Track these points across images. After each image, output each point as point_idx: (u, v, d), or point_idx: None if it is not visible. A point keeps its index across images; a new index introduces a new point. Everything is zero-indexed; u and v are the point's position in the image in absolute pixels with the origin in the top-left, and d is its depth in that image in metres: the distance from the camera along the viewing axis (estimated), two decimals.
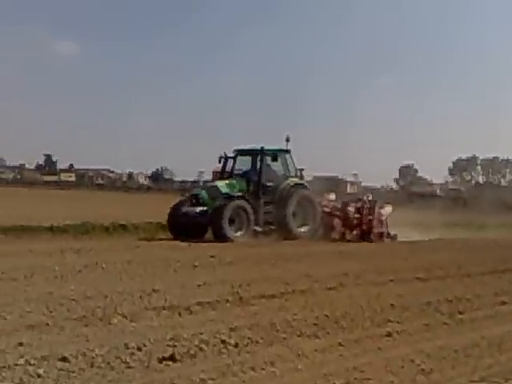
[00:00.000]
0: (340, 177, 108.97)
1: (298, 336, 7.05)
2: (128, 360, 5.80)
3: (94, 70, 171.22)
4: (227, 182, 20.22)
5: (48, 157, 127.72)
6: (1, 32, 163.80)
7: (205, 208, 18.91)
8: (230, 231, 18.29)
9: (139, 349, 6.15)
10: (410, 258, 15.57)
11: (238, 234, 18.56)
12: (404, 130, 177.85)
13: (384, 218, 21.60)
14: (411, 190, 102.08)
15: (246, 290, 9.71)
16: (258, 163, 20.35)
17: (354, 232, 21.51)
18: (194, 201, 19.53)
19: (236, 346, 6.46)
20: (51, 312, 7.62)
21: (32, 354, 5.76)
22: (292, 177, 20.92)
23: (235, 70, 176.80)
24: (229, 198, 18.93)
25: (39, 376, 5.21)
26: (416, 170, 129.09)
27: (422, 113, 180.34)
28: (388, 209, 21.97)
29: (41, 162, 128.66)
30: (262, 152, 20.31)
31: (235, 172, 21.16)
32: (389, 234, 21.60)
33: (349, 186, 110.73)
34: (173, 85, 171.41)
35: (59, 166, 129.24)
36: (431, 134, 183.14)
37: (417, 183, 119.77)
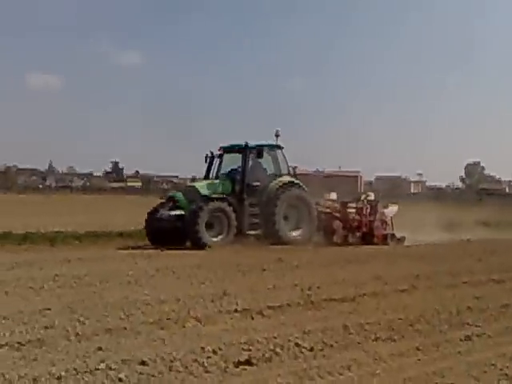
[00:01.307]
0: (403, 177, 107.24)
1: (373, 340, 6.94)
2: (205, 364, 5.83)
3: (156, 78, 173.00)
4: (208, 182, 18.70)
5: (115, 164, 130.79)
6: (69, 46, 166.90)
7: (182, 212, 17.29)
8: (206, 236, 16.63)
9: (215, 352, 6.18)
10: (484, 259, 14.94)
11: (218, 239, 16.91)
12: (470, 127, 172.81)
13: (388, 219, 20.01)
14: (478, 187, 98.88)
15: (316, 293, 9.63)
16: (247, 161, 18.40)
17: (357, 234, 19.66)
18: (170, 204, 17.85)
19: (311, 350, 6.40)
20: (128, 316, 7.75)
21: (112, 358, 5.87)
22: (283, 175, 18.93)
23: None
24: (206, 199, 17.15)
25: (120, 380, 5.29)
26: (483, 168, 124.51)
27: (489, 110, 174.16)
28: (392, 209, 20.41)
29: (108, 170, 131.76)
30: (245, 148, 18.35)
31: (222, 172, 19.38)
32: (394, 235, 19.83)
33: (412, 186, 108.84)
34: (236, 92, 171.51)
35: (126, 172, 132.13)
36: (499, 131, 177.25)
37: (484, 181, 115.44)
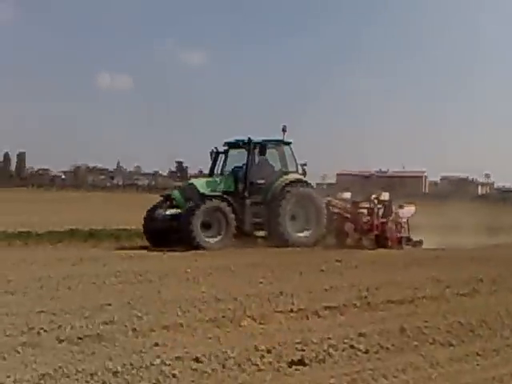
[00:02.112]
0: (471, 178, 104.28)
1: (431, 344, 6.76)
2: (258, 363, 5.80)
3: (221, 78, 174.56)
4: (208, 179, 17.72)
5: (179, 164, 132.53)
6: (135, 46, 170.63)
7: (179, 210, 16.29)
8: (201, 237, 15.51)
9: (269, 351, 6.15)
10: None
11: (215, 240, 15.84)
12: None
13: (403, 221, 18.41)
14: None
15: (374, 294, 9.49)
16: (250, 158, 17.17)
17: (371, 237, 18.06)
18: (167, 202, 16.92)
19: (366, 352, 6.29)
20: (184, 313, 7.82)
21: (167, 354, 5.92)
22: (291, 173, 17.66)
23: None
24: (203, 198, 16.09)
25: (174, 376, 5.32)
26: None
27: None
28: (409, 209, 18.67)
29: (173, 169, 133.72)
30: (249, 144, 17.19)
31: (226, 169, 18.22)
32: (409, 239, 18.24)
33: (480, 188, 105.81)
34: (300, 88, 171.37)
35: (190, 172, 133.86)
36: None
37: None
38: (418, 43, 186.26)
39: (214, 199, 16.05)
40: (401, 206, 18.50)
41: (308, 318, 7.80)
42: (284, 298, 8.94)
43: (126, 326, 7.05)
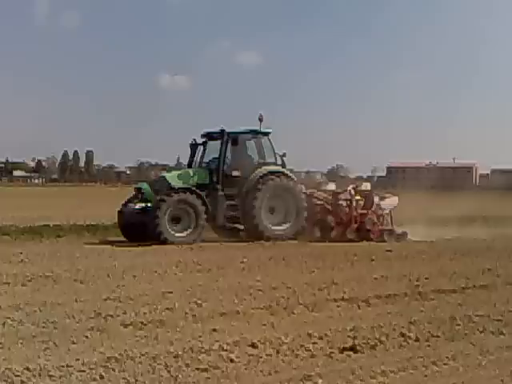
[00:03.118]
0: None
1: (481, 332, 6.61)
2: (311, 349, 5.80)
3: (277, 79, 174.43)
4: (180, 172, 16.55)
5: None
6: (196, 47, 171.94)
7: (148, 204, 15.08)
8: (168, 231, 14.43)
9: (321, 338, 6.13)
10: None
11: (183, 234, 14.69)
12: None
13: (385, 213, 16.87)
14: None
15: (425, 283, 9.34)
16: (223, 149, 15.85)
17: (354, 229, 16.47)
18: (139, 196, 15.66)
19: (416, 340, 6.20)
20: (241, 301, 7.88)
21: (225, 339, 5.97)
22: (269, 164, 16.29)
23: None
24: (171, 191, 14.90)
25: (231, 361, 5.36)
26: None
27: None
28: (390, 201, 17.07)
29: None
30: (222, 135, 15.87)
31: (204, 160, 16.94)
32: (392, 231, 16.65)
33: None
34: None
35: None
36: None
37: None
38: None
39: (182, 192, 14.85)
40: (383, 198, 17.14)
41: (359, 307, 7.73)
42: (335, 287, 8.90)
43: (186, 312, 7.16)
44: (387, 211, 16.80)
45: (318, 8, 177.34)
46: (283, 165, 16.56)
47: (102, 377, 4.90)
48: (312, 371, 5.12)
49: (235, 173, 15.76)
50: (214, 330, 6.39)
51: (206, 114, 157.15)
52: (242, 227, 16.03)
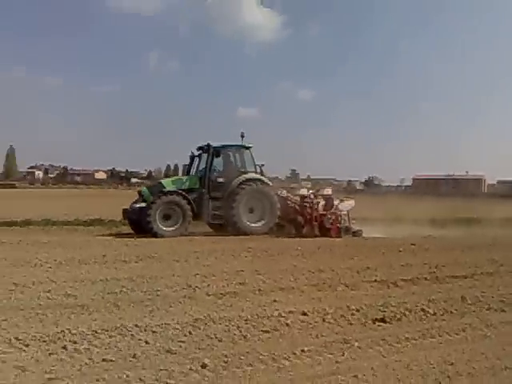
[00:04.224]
0: None
1: (487, 310, 6.32)
2: (349, 319, 5.70)
3: (326, 109, 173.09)
4: (175, 178, 15.81)
5: (293, 171, 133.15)
6: (263, 86, 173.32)
7: (143, 204, 14.34)
8: (158, 226, 13.71)
9: (358, 310, 6.01)
10: None
11: (172, 228, 13.89)
12: None
13: (343, 213, 15.41)
14: None
15: (441, 270, 8.97)
16: (209, 160, 15.02)
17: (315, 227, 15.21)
18: (140, 197, 14.93)
19: (434, 314, 5.99)
20: (295, 279, 7.82)
21: (283, 309, 5.95)
22: (249, 172, 15.29)
23: None
24: (162, 193, 14.19)
25: (287, 325, 5.35)
26: None
27: None
28: (348, 203, 15.71)
29: (288, 175, 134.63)
30: (208, 149, 15.09)
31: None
32: (348, 229, 15.25)
33: None
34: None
35: (301, 176, 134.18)
36: None
37: None
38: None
39: (171, 194, 14.16)
40: (341, 200, 15.75)
41: (388, 287, 7.52)
42: (370, 271, 8.68)
43: (254, 286, 7.18)
44: (345, 212, 15.48)
45: (355, 53, 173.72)
46: (261, 173, 15.68)
47: (190, 333, 5.00)
48: (350, 336, 5.04)
49: (220, 179, 15.01)
50: (275, 301, 6.38)
51: (273, 137, 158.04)
52: (222, 223, 15.06)
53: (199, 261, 9.47)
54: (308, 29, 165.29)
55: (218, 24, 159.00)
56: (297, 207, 15.48)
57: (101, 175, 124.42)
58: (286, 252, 10.91)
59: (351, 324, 5.53)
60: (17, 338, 4.56)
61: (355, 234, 15.14)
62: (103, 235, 14.07)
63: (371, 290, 7.29)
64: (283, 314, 5.70)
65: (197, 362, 4.18)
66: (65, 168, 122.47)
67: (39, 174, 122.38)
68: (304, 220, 15.16)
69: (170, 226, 13.90)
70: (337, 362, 4.35)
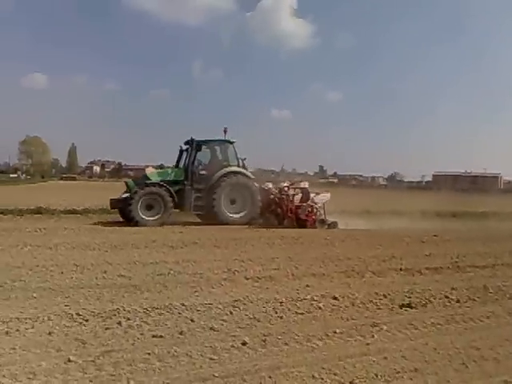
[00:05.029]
0: None
1: (509, 298, 6.02)
2: (378, 303, 5.52)
3: (353, 110, 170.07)
4: (160, 170, 15.00)
5: (321, 167, 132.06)
6: (295, 89, 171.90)
7: (127, 195, 13.63)
8: (139, 215, 12.97)
9: (385, 296, 5.83)
10: None
11: (154, 218, 13.13)
12: None
13: (319, 206, 14.27)
14: None
15: (463, 260, 8.63)
16: (192, 153, 14.25)
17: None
18: (127, 188, 14.06)
19: (457, 301, 5.74)
20: (325, 266, 7.67)
21: (315, 292, 5.81)
22: (231, 166, 14.43)
23: None
24: (145, 185, 13.45)
25: (320, 308, 5.22)
26: None
27: None
28: (323, 196, 14.55)
29: (316, 171, 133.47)
30: (192, 143, 14.30)
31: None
32: (323, 221, 14.13)
33: None
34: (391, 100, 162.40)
35: (328, 172, 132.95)
36: None
37: None
38: None
39: (153, 186, 13.42)
40: (317, 193, 14.54)
41: (413, 275, 7.27)
42: (395, 260, 8.43)
43: (287, 271, 7.07)
44: (320, 204, 14.38)
45: (381, 56, 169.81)
46: (243, 167, 14.72)
47: (231, 313, 4.94)
48: (379, 320, 4.86)
49: (203, 172, 14.23)
50: (307, 285, 6.26)
51: (304, 136, 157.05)
52: (203, 213, 14.31)
53: (237, 247, 9.41)
54: (337, 36, 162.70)
55: (257, 33, 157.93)
56: (276, 199, 14.49)
57: (150, 170, 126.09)
58: (316, 241, 10.72)
59: (379, 309, 5.35)
60: (78, 314, 4.60)
61: (330, 225, 14.10)
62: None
63: (397, 278, 7.05)
64: (315, 298, 5.57)
65: (237, 340, 4.11)
66: (119, 163, 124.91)
67: (97, 168, 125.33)
68: (282, 211, 14.19)
69: (151, 216, 13.19)
70: (367, 344, 4.19)
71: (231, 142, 14.76)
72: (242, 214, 14.13)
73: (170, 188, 13.51)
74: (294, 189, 14.52)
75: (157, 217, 13.19)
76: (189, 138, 14.49)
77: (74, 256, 7.75)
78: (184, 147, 14.86)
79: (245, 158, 14.90)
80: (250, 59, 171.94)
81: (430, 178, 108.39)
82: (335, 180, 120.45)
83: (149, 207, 13.23)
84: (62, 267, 6.74)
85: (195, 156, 14.19)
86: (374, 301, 5.61)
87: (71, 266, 6.84)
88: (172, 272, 6.73)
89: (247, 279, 6.49)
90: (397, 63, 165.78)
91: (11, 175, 78.36)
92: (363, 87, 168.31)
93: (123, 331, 4.24)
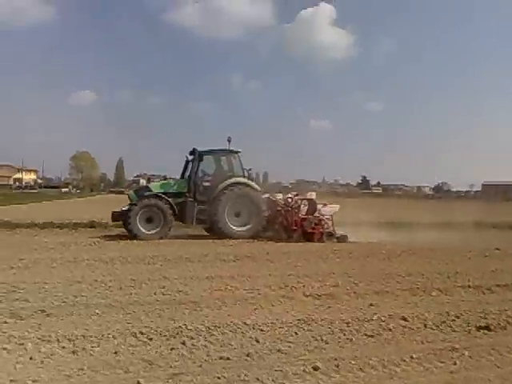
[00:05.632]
0: None
1: None
2: (451, 325, 5.11)
3: (393, 120, 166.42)
4: (163, 182, 14.25)
5: (364, 177, 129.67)
6: (334, 100, 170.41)
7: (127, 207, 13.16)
8: (137, 228, 12.44)
9: (458, 317, 5.39)
10: None
11: (153, 231, 12.55)
12: None
13: (326, 218, 13.44)
14: None
15: None
16: (195, 164, 13.61)
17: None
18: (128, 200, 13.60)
19: None
20: (387, 283, 7.24)
21: (381, 312, 5.47)
22: (236, 177, 13.69)
23: None
24: (144, 197, 12.93)
25: (390, 330, 4.87)
26: None
27: None
28: (330, 208, 13.69)
29: (360, 181, 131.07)
30: (194, 153, 13.67)
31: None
32: (331, 234, 13.28)
33: None
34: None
35: (371, 183, 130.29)
36: None
37: None
38: None
39: (153, 198, 12.87)
40: (324, 205, 13.75)
41: (483, 293, 6.74)
42: (460, 276, 7.88)
43: (347, 289, 6.72)
44: (328, 216, 13.55)
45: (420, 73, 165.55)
46: (249, 177, 14.00)
47: (296, 333, 4.69)
48: (457, 344, 4.47)
49: (206, 183, 13.56)
50: (371, 304, 5.89)
51: (344, 147, 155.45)
52: (206, 227, 13.91)
53: (290, 262, 9.15)
54: (377, 46, 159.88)
55: (295, 44, 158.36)
56: (282, 211, 13.68)
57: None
58: (371, 255, 10.27)
59: (454, 331, 4.93)
60: (141, 332, 4.50)
61: (339, 239, 13.20)
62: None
63: (466, 296, 6.56)
64: (383, 319, 5.21)
65: (308, 364, 3.86)
66: (164, 177, 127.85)
67: (143, 182, 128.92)
68: (287, 224, 13.41)
69: (151, 229, 12.62)
70: (450, 372, 3.83)
71: (236, 152, 14.12)
72: (247, 228, 13.36)
73: (171, 200, 12.98)
74: (301, 200, 13.70)
75: (155, 230, 12.62)
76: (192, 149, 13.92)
77: (130, 270, 7.77)
78: (189, 158, 14.20)
79: (250, 169, 14.35)
80: (288, 70, 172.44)
81: (478, 188, 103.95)
82: (379, 190, 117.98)
83: (149, 220, 12.70)
84: (120, 282, 6.74)
85: (198, 167, 13.62)
86: (447, 322, 5.20)
87: (129, 281, 6.83)
88: (229, 288, 6.56)
89: (306, 296, 6.22)
90: (439, 72, 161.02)
91: (63, 190, 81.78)
92: (405, 96, 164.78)
93: (188, 351, 4.09)
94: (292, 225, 13.18)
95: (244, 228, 13.32)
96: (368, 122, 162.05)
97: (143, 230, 12.52)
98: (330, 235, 13.24)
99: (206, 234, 14.15)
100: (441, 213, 23.59)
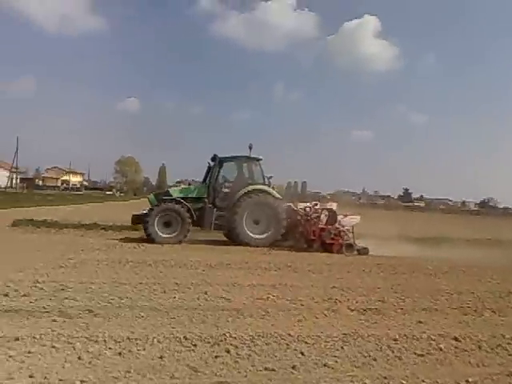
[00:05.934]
0: None
1: None
2: (508, 348, 4.81)
3: (439, 132, 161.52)
4: (184, 187, 14.31)
5: (406, 190, 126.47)
6: (377, 111, 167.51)
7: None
8: (155, 232, 12.48)
9: None
10: None
11: (171, 236, 12.52)
12: None
13: (346, 229, 13.00)
14: None
15: None
16: (214, 170, 13.56)
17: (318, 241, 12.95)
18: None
19: None
20: (435, 300, 6.91)
21: (430, 331, 5.22)
22: (256, 184, 13.46)
23: None
24: (163, 201, 12.95)
25: (441, 349, 4.63)
26: None
27: None
28: (352, 219, 13.20)
29: (401, 194, 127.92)
30: (215, 160, 13.68)
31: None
32: (351, 246, 12.75)
33: None
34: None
35: (413, 196, 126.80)
36: None
37: None
38: None
39: (170, 202, 12.89)
40: (345, 216, 13.26)
41: None
42: None
43: (394, 305, 6.48)
44: (348, 227, 13.13)
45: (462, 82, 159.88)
46: (269, 185, 13.68)
47: (342, 348, 4.54)
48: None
49: (225, 190, 13.53)
50: (420, 321, 5.65)
51: (387, 158, 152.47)
52: (224, 233, 13.89)
53: (332, 273, 8.96)
54: (422, 58, 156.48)
55: (337, 56, 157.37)
56: (302, 221, 13.38)
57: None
58: (416, 270, 9.88)
59: (511, 355, 4.63)
60: (185, 338, 4.49)
61: (360, 252, 12.74)
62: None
63: None
64: (433, 337, 4.97)
65: (356, 381, 3.72)
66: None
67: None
68: (305, 233, 13.14)
69: (169, 233, 12.64)
70: None
71: (257, 160, 13.91)
72: (265, 235, 13.16)
73: (190, 205, 13.03)
74: (321, 210, 13.37)
75: (173, 234, 12.64)
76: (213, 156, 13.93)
77: (173, 274, 7.83)
78: (212, 164, 14.15)
79: (271, 177, 14.06)
80: (330, 81, 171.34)
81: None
82: (421, 204, 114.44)
83: (167, 224, 12.73)
84: (163, 286, 6.79)
85: (218, 173, 13.63)
86: (503, 345, 4.90)
87: (172, 285, 6.87)
88: (271, 297, 6.46)
89: (351, 310, 6.03)
90: (485, 85, 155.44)
91: (107, 192, 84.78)
92: (449, 109, 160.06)
93: (233, 360, 4.03)
94: (310, 235, 12.98)
95: (263, 236, 13.19)
96: (412, 134, 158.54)
97: (160, 234, 12.60)
98: (350, 247, 12.87)
99: (225, 239, 14.08)
100: (487, 229, 22.58)
